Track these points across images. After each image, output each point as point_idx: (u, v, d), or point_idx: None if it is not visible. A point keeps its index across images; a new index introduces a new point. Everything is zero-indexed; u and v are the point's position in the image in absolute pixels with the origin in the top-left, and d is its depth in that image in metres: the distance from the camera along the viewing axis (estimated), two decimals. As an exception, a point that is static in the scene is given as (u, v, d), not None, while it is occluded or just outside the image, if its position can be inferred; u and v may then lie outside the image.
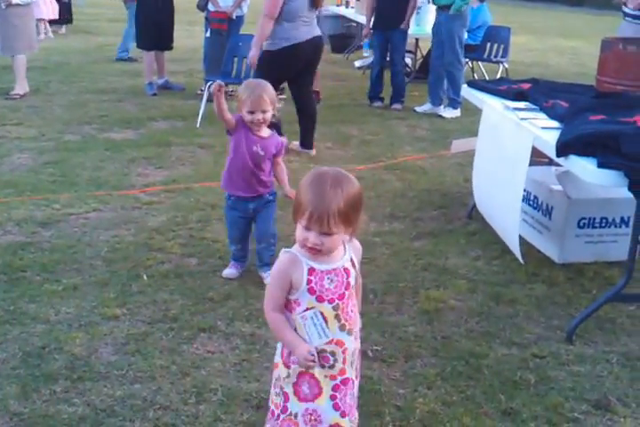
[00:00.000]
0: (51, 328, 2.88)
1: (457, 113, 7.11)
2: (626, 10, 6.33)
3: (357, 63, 10.29)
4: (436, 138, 6.09)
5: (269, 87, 3.15)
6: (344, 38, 11.70)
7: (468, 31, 8.13)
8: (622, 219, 3.54)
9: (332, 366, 1.87)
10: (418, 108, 7.35)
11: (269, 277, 1.95)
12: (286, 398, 1.91)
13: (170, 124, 6.43)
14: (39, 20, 10.22)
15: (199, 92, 7.33)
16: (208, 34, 7.27)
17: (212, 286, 3.30)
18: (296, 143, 5.62)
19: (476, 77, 8.65)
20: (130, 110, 6.91)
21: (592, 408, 2.50)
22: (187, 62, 9.41)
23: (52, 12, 11.28)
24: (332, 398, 1.89)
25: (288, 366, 1.90)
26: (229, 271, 3.44)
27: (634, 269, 3.01)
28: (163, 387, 2.52)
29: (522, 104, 3.82)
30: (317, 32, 5.35)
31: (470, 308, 3.21)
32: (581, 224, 3.58)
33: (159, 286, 3.26)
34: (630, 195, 2.86)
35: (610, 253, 3.55)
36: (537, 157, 3.66)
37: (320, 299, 1.82)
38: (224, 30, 7.12)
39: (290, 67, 5.30)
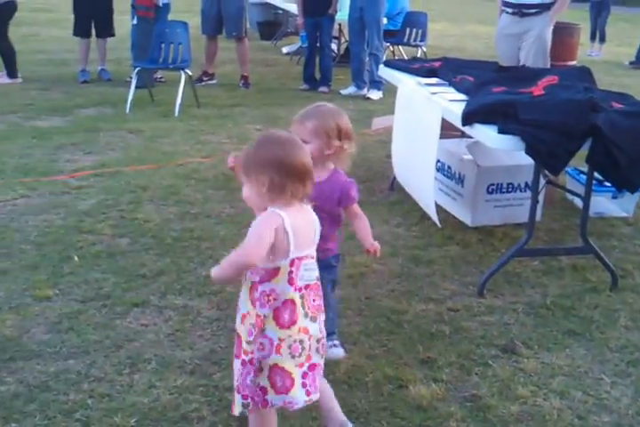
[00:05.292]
0: (-23, 312, 2.83)
1: (381, 94, 7.33)
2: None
3: (285, 49, 10.45)
4: (360, 118, 6.27)
5: (335, 116, 2.33)
6: (272, 25, 11.83)
7: (389, 17, 8.39)
8: (526, 184, 3.79)
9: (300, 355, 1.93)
10: (343, 91, 7.55)
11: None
12: (264, 392, 1.92)
13: (98, 111, 6.41)
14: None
15: (128, 79, 7.30)
16: (135, 21, 7.28)
17: (145, 263, 3.33)
18: None
19: (399, 60, 8.91)
20: (57, 98, 6.84)
21: (500, 352, 2.72)
22: (115, 51, 9.30)
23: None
24: (303, 385, 1.95)
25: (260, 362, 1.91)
26: (339, 351, 2.65)
27: (534, 227, 3.27)
28: (97, 360, 2.55)
29: (433, 80, 4.04)
30: None
31: (392, 270, 3.40)
32: (490, 190, 3.83)
33: (91, 266, 3.28)
34: (532, 161, 3.10)
35: (516, 215, 3.80)
36: (450, 131, 3.89)
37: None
38: (151, 18, 7.14)
39: None
